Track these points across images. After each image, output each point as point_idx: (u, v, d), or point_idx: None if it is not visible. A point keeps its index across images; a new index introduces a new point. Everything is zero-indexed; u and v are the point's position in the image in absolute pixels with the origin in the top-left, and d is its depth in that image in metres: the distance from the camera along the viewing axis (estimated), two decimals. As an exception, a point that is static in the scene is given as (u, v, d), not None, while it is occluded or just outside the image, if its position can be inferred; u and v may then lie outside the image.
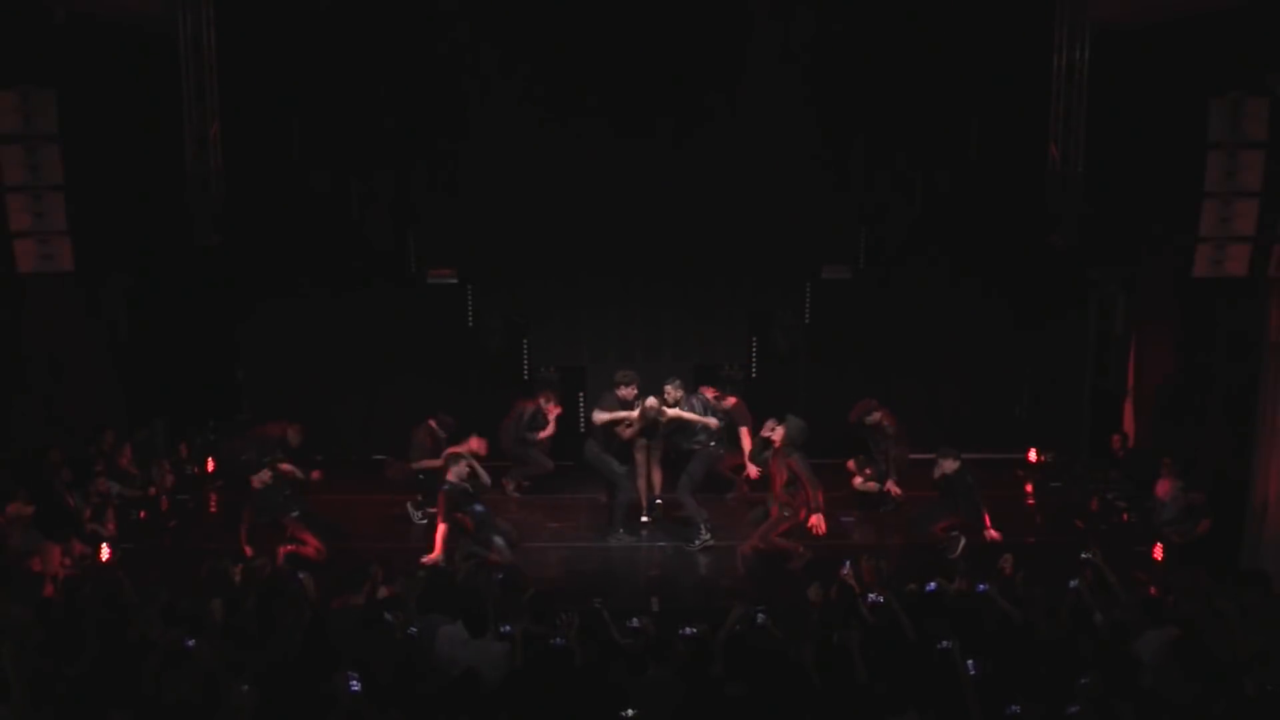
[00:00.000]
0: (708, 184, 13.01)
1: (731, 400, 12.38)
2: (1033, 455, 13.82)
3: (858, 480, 12.32)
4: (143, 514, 11.94)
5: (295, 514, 10.87)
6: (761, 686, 6.61)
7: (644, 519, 11.78)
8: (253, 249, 12.77)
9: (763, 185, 13.02)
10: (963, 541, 10.92)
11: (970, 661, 6.59)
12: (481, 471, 11.04)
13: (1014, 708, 6.19)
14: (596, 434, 11.68)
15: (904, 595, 8.31)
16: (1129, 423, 13.58)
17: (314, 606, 8.18)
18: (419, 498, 12.00)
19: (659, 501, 11.93)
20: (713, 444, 11.56)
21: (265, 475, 10.88)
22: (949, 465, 11.10)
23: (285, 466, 11.10)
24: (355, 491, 12.71)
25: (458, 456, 10.91)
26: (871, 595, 8.02)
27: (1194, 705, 6.35)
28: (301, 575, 8.49)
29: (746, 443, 11.99)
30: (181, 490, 12.70)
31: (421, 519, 12.01)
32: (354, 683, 6.41)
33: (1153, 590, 9.21)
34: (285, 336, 13.79)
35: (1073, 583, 8.27)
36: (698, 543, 11.40)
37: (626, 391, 11.40)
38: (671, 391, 11.35)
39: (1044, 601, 8.16)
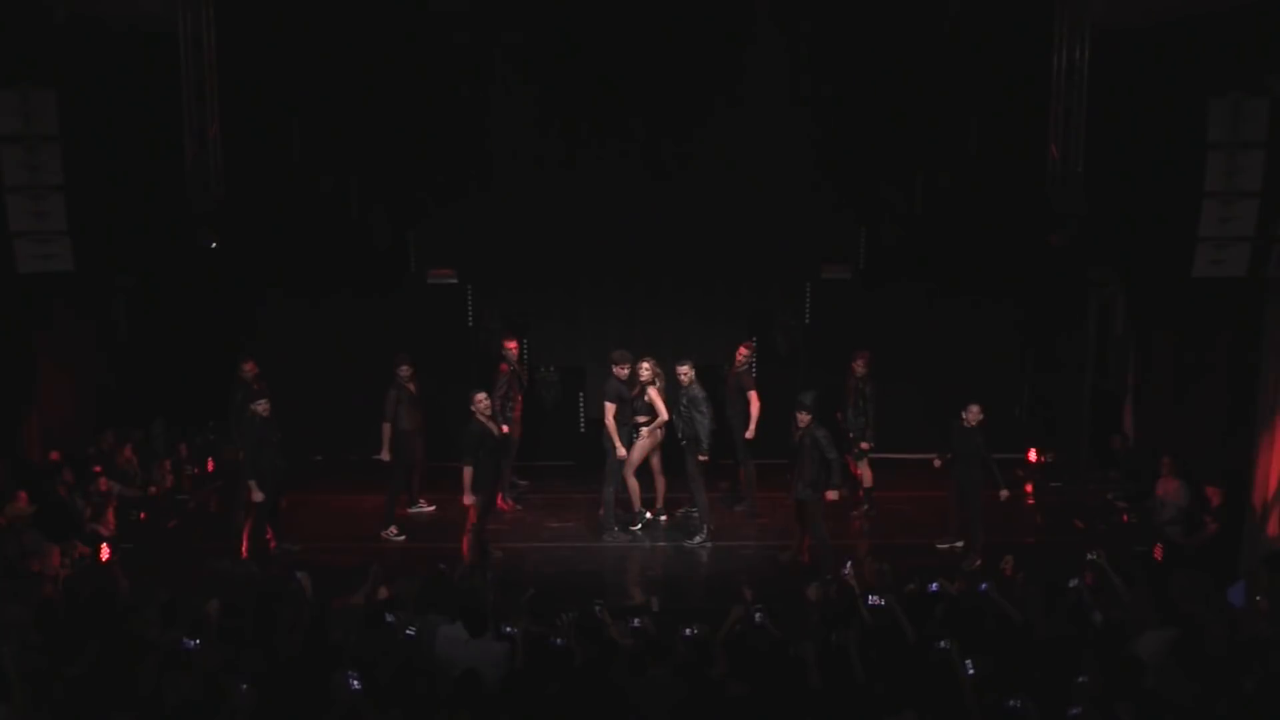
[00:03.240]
0: (708, 184, 13.02)
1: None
2: (1033, 455, 13.83)
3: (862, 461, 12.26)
4: (143, 515, 11.95)
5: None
6: (762, 686, 6.61)
7: (641, 522, 11.79)
8: (253, 249, 12.77)
9: (763, 186, 13.03)
10: (979, 561, 10.85)
11: (968, 661, 6.58)
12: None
13: (1013, 703, 6.18)
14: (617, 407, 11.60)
15: (904, 595, 8.30)
16: (1129, 423, 13.58)
17: (312, 606, 8.17)
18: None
19: (664, 519, 11.98)
20: (684, 441, 11.52)
21: (263, 406, 10.88)
22: (974, 415, 11.06)
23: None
24: (355, 491, 12.71)
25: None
26: (872, 598, 8.01)
27: (1194, 705, 6.34)
28: (300, 575, 8.49)
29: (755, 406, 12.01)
30: (181, 490, 12.70)
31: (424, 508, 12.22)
32: (354, 682, 6.40)
33: (1152, 590, 9.20)
34: (285, 336, 13.79)
35: (1073, 582, 8.27)
36: (698, 539, 11.42)
37: (621, 370, 11.40)
38: (682, 371, 11.36)
39: (1043, 601, 8.15)
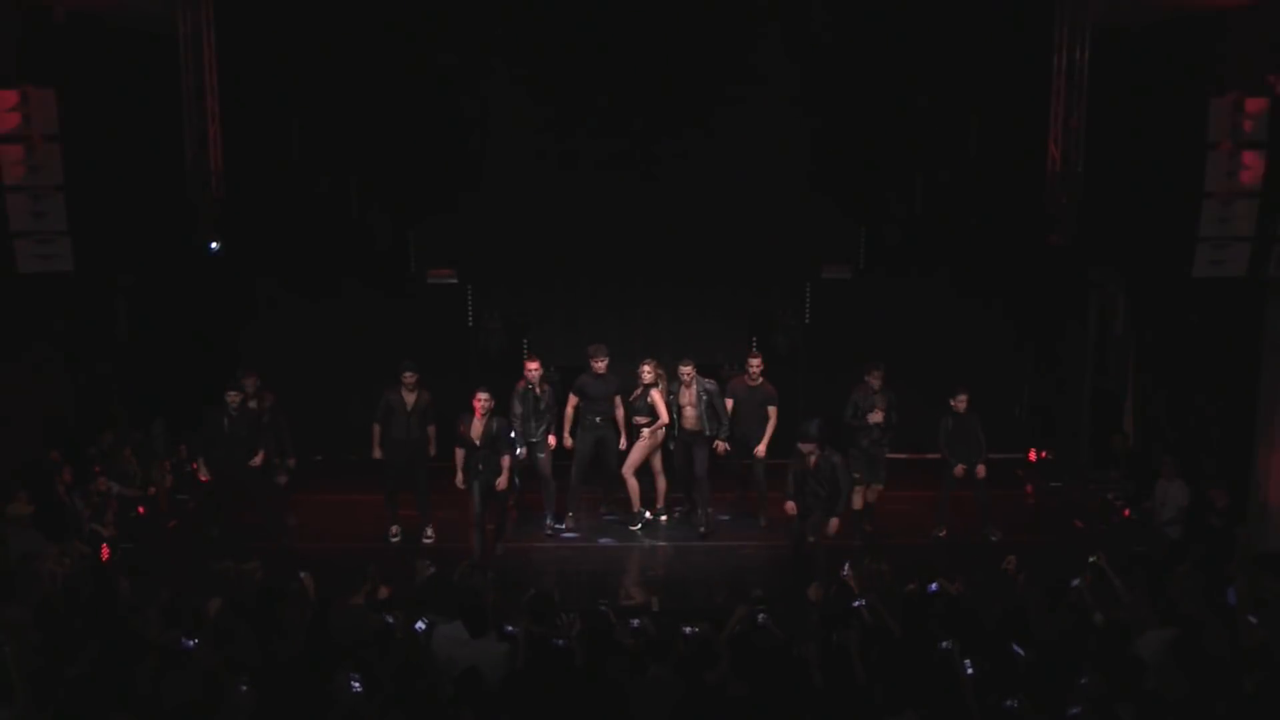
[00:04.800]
0: (708, 184, 13.02)
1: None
2: (1033, 455, 13.82)
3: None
4: (141, 509, 11.95)
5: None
6: (765, 686, 6.61)
7: (641, 522, 11.80)
8: (253, 249, 12.76)
9: (763, 185, 13.03)
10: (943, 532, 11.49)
11: (967, 661, 6.59)
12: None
13: (1011, 703, 6.19)
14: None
15: (904, 595, 8.30)
16: (1129, 423, 13.58)
17: (314, 606, 8.17)
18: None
19: (664, 519, 12.00)
20: (708, 434, 11.49)
21: (233, 397, 11.25)
22: (962, 403, 11.42)
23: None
24: (355, 491, 12.71)
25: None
26: (856, 601, 8.01)
27: (1194, 705, 6.35)
28: (302, 575, 8.49)
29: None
30: (181, 490, 12.70)
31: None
32: (354, 683, 6.40)
33: (1152, 590, 9.20)
34: (285, 336, 13.79)
35: (1074, 582, 8.27)
36: (702, 530, 11.49)
37: (599, 364, 11.45)
38: (685, 371, 11.37)
39: (1044, 601, 8.15)
